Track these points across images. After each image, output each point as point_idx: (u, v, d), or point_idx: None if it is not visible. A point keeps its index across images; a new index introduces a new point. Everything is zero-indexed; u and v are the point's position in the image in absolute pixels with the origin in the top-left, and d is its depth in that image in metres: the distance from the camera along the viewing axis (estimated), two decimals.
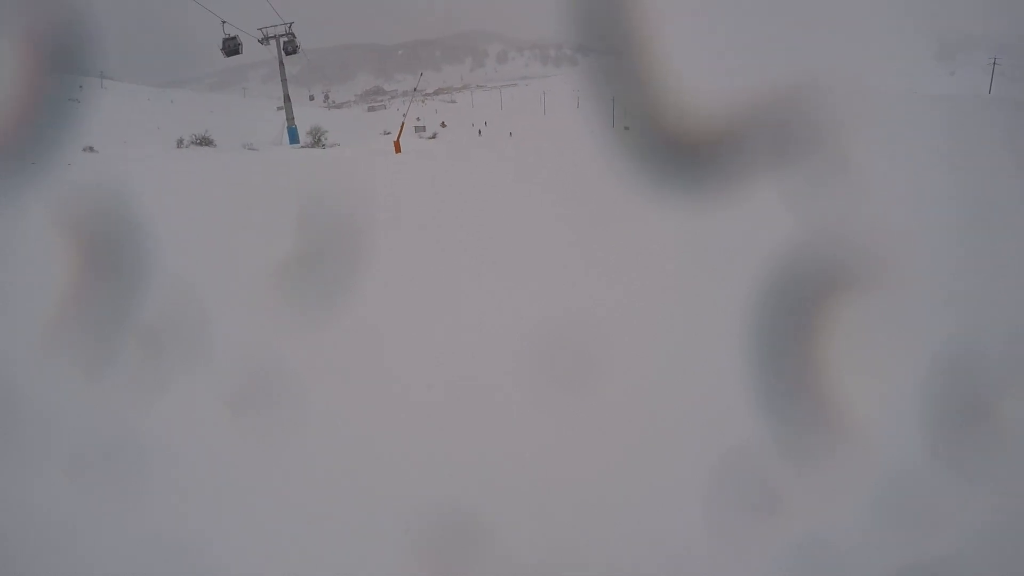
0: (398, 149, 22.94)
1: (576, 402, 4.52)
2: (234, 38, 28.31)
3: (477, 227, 10.02)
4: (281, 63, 30.97)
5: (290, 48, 31.50)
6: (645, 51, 3.25)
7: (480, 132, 53.54)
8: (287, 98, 29.91)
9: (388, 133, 37.45)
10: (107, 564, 3.37)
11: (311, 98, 65.64)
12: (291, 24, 31.47)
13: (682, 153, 3.39)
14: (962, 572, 3.21)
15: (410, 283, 7.17)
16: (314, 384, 4.74)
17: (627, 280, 7.13)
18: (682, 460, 3.96)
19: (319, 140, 26.92)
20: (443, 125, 55.51)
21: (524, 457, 4.07)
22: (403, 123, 26.16)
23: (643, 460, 4.04)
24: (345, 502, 3.73)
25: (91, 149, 20.96)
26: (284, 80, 31.22)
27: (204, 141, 25.83)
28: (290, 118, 30.19)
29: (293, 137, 28.77)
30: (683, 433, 4.25)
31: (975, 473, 3.72)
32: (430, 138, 42.66)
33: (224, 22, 27.63)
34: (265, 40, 30.62)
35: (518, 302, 6.63)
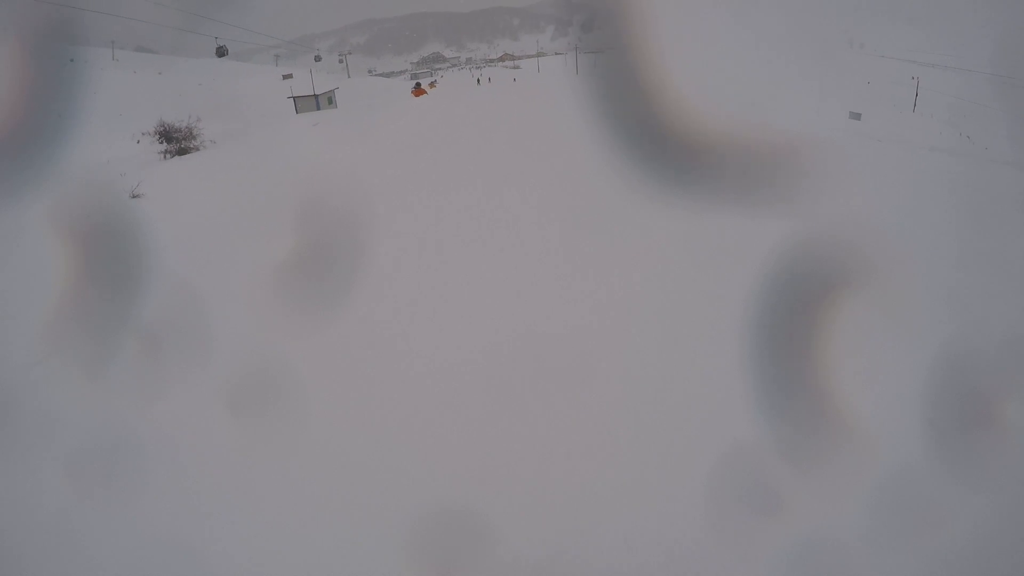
0: None
1: (578, 401, 4.40)
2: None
3: None
4: None
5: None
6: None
7: (479, 81, 47.08)
8: None
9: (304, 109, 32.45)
10: (107, 563, 3.28)
11: (317, 59, 55.63)
12: None
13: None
14: (961, 571, 3.17)
15: None
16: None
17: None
18: (681, 459, 3.88)
19: None
20: (432, 86, 45.36)
21: (525, 455, 3.99)
22: None
23: (642, 458, 3.95)
24: (344, 501, 3.67)
25: None
26: None
27: None
28: None
29: None
30: (682, 432, 4.13)
31: (974, 472, 3.63)
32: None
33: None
34: None
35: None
